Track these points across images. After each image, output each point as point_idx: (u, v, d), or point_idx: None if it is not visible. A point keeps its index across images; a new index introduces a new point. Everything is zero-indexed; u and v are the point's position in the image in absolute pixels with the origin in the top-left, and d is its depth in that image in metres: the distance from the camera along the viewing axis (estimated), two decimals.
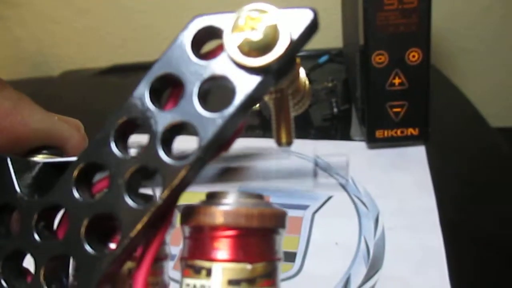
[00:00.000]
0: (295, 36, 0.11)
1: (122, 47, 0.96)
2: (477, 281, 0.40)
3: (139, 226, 0.11)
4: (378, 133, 0.54)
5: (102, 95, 0.80)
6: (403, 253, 0.42)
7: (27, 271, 0.12)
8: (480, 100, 0.69)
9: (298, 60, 0.13)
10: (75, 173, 0.11)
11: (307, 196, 0.48)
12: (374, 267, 0.41)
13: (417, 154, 0.54)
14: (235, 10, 0.10)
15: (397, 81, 0.52)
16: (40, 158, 0.13)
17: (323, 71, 0.77)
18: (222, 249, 0.12)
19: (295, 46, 0.11)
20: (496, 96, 0.93)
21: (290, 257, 0.42)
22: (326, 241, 0.44)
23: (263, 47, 0.10)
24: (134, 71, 0.89)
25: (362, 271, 0.41)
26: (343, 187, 0.50)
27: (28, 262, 0.12)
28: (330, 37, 0.87)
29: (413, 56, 0.51)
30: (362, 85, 0.55)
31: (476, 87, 0.87)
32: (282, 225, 0.13)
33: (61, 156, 0.14)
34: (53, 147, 0.14)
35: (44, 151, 0.13)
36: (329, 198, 0.49)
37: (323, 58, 0.79)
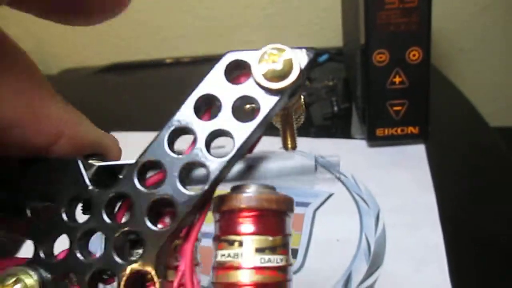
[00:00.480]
0: (303, 67, 0.14)
1: (121, 46, 0.96)
2: (477, 277, 0.40)
3: (190, 208, 0.14)
4: (379, 132, 0.55)
5: (101, 94, 0.81)
6: (404, 250, 0.43)
7: (90, 251, 0.16)
8: (479, 99, 0.69)
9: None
10: (138, 168, 0.15)
11: (308, 193, 0.48)
12: (375, 263, 0.42)
13: (417, 152, 0.55)
14: (258, 48, 0.15)
15: (397, 79, 0.52)
16: (94, 162, 0.16)
17: (323, 70, 0.77)
18: (250, 225, 0.16)
19: (303, 74, 0.14)
20: (495, 95, 0.94)
21: (292, 253, 0.43)
22: (327, 238, 0.44)
23: (282, 75, 0.14)
24: (132, 69, 0.89)
25: (363, 268, 0.41)
26: (344, 184, 0.50)
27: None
28: (330, 36, 0.88)
29: (414, 55, 0.51)
30: (362, 83, 0.55)
31: (475, 86, 0.87)
32: (292, 209, 0.17)
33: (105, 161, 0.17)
34: (99, 154, 0.17)
35: (93, 157, 0.17)
36: (330, 195, 0.49)
37: (323, 57, 0.80)
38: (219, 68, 0.15)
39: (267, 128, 0.15)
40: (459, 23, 0.89)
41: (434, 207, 0.47)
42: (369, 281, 0.40)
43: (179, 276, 0.15)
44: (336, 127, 0.62)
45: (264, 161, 0.17)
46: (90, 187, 0.15)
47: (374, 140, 0.55)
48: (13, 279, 0.15)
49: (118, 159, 0.18)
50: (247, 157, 0.16)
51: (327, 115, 0.62)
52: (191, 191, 0.14)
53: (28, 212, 0.16)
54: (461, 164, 0.55)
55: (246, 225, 0.16)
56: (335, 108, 0.63)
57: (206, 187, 0.14)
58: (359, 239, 0.44)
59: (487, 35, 0.90)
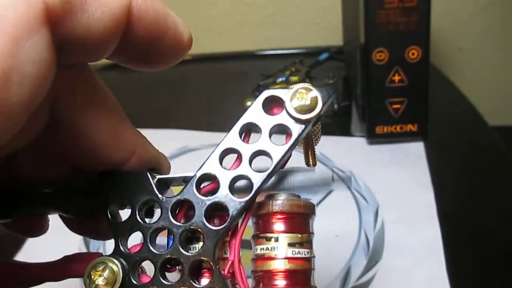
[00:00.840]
0: (324, 101, 0.18)
1: None
2: (473, 273, 0.41)
3: (240, 211, 0.18)
4: (378, 129, 0.55)
5: None
6: (402, 245, 0.43)
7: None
8: (478, 98, 0.70)
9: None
10: (196, 180, 0.19)
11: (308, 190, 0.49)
12: (373, 258, 0.42)
13: (416, 150, 0.55)
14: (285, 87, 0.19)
15: (397, 78, 0.53)
16: (155, 175, 0.20)
17: (324, 68, 0.78)
18: (283, 225, 0.20)
19: (324, 108, 0.18)
20: (493, 94, 0.94)
21: None
22: (327, 234, 0.45)
23: (309, 109, 0.18)
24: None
25: (362, 263, 0.42)
26: (344, 181, 0.51)
27: None
28: (331, 35, 0.88)
29: (413, 54, 0.52)
30: (362, 82, 0.56)
31: (474, 85, 0.88)
32: (314, 212, 0.21)
33: (160, 174, 0.21)
34: (154, 169, 0.21)
35: (153, 171, 0.21)
36: (330, 192, 0.50)
37: (324, 56, 0.80)
38: (258, 101, 0.19)
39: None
40: (459, 23, 0.90)
41: (433, 204, 0.47)
42: (367, 276, 0.41)
43: (229, 265, 0.19)
44: (336, 125, 0.63)
45: (291, 175, 0.20)
46: (159, 195, 0.19)
47: (373, 137, 0.56)
48: (103, 266, 0.18)
49: (168, 171, 0.22)
50: (278, 171, 0.20)
51: (327, 113, 0.63)
52: (240, 199, 0.18)
53: (109, 215, 0.19)
54: (459, 162, 0.55)
55: (280, 225, 0.20)
56: (335, 106, 0.64)
57: (251, 195, 0.18)
58: (358, 235, 0.45)
59: (486, 34, 0.91)
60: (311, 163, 0.21)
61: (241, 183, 0.19)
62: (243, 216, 0.19)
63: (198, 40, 0.94)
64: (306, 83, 0.19)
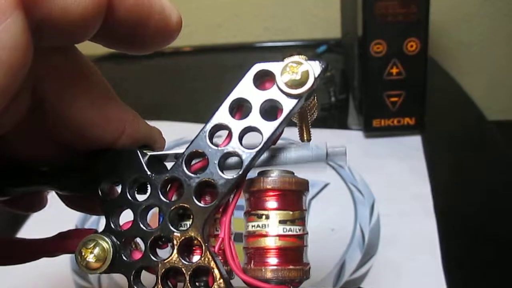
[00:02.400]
0: (316, 75, 0.18)
1: None
2: (469, 266, 0.41)
3: (229, 188, 0.18)
4: (375, 122, 0.55)
5: None
6: (398, 239, 0.43)
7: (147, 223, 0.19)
8: (477, 93, 0.69)
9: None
10: (186, 158, 0.18)
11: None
12: (369, 252, 0.42)
13: (413, 144, 0.55)
14: (280, 59, 0.18)
15: (394, 70, 0.52)
16: (147, 151, 0.20)
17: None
18: (274, 202, 0.20)
19: (317, 82, 0.18)
20: (494, 89, 0.94)
21: None
22: (322, 227, 0.44)
23: (301, 83, 0.17)
24: (132, 59, 0.89)
25: (357, 257, 0.42)
26: (339, 174, 0.51)
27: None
28: (329, 28, 0.88)
29: (411, 46, 0.51)
30: (359, 74, 0.55)
31: (474, 80, 0.88)
32: (307, 189, 0.20)
33: (154, 151, 0.21)
34: (148, 145, 0.21)
35: (145, 148, 0.20)
36: (326, 185, 0.49)
37: (322, 48, 0.80)
38: (249, 76, 0.18)
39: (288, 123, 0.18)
40: (459, 16, 0.89)
41: (429, 197, 0.47)
42: (362, 270, 0.40)
43: (219, 242, 0.19)
44: (333, 118, 0.62)
45: (284, 151, 0.20)
46: (148, 173, 0.19)
47: (370, 131, 0.56)
48: (93, 244, 0.19)
49: (163, 148, 0.22)
50: (271, 147, 0.20)
51: (324, 106, 0.62)
52: (228, 176, 0.18)
53: (100, 193, 0.19)
54: (456, 156, 0.55)
55: (271, 202, 0.20)
56: (332, 99, 0.63)
57: (240, 172, 0.18)
58: (353, 229, 0.44)
59: (486, 28, 0.90)
60: (305, 138, 0.21)
61: (232, 160, 0.19)
62: (233, 193, 0.19)
63: (196, 32, 0.94)
64: (298, 56, 0.18)
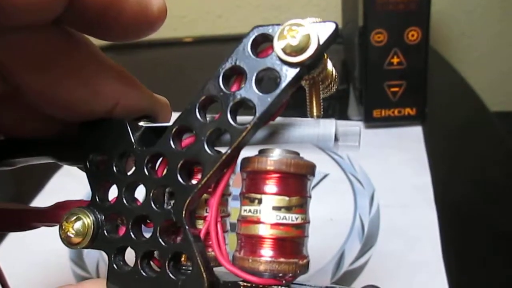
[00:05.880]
0: (322, 41, 0.15)
1: None
2: (469, 256, 0.40)
3: (215, 167, 0.16)
4: (376, 113, 0.54)
5: None
6: (398, 229, 0.43)
7: (135, 198, 0.18)
8: (480, 84, 0.69)
9: (326, 55, 0.18)
10: (172, 132, 0.17)
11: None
12: (368, 243, 0.42)
13: (414, 134, 0.54)
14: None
15: (395, 60, 0.52)
16: (142, 123, 0.19)
17: None
18: (269, 186, 0.17)
19: (322, 48, 0.15)
20: (496, 80, 0.93)
21: None
22: (321, 217, 0.44)
23: (300, 49, 0.15)
24: (132, 49, 0.88)
25: (356, 247, 0.41)
26: (339, 164, 0.50)
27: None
28: (330, 18, 0.87)
29: (412, 35, 0.51)
30: (360, 64, 0.55)
31: (477, 71, 0.87)
32: (312, 173, 0.18)
33: (155, 123, 0.20)
34: (149, 116, 0.20)
35: (144, 119, 0.20)
36: (326, 175, 0.49)
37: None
38: (246, 41, 0.16)
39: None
40: (461, 7, 0.89)
41: (430, 188, 0.47)
42: (361, 260, 0.40)
43: (206, 225, 0.17)
44: (333, 108, 0.62)
45: (287, 128, 0.18)
46: (135, 146, 0.18)
47: (371, 121, 0.55)
48: (75, 217, 0.18)
49: (168, 120, 0.21)
50: (272, 123, 0.18)
51: (325, 96, 0.62)
52: (216, 153, 0.16)
53: (87, 164, 0.19)
54: (457, 146, 0.54)
55: (266, 186, 0.17)
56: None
57: (228, 151, 0.16)
58: (353, 219, 0.44)
59: (488, 19, 0.89)
60: (314, 114, 0.18)
61: (225, 137, 0.17)
62: (220, 174, 0.17)
63: (196, 22, 0.94)
64: (301, 19, 0.16)
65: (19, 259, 0.41)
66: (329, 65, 0.18)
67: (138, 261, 0.17)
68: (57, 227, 0.19)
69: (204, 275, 0.16)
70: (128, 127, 0.18)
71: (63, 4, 0.14)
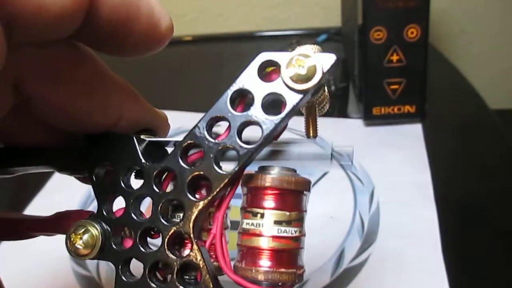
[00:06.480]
0: (325, 70, 0.16)
1: None
2: (469, 254, 0.40)
3: (223, 184, 0.17)
4: (375, 110, 0.54)
5: None
6: (397, 227, 0.43)
7: (141, 211, 0.19)
8: (480, 82, 0.69)
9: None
10: (181, 149, 0.18)
11: (303, 171, 0.48)
12: (368, 240, 0.42)
13: (414, 131, 0.54)
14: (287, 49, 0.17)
15: (395, 57, 0.52)
16: (144, 137, 0.19)
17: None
18: (271, 201, 0.19)
19: (325, 77, 0.16)
20: (496, 78, 0.93)
21: None
22: (321, 215, 0.44)
23: (306, 78, 0.16)
24: None
25: (356, 244, 0.41)
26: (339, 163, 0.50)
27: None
28: (329, 16, 0.87)
29: (412, 33, 0.51)
30: (360, 62, 0.55)
31: (477, 68, 0.87)
32: (308, 189, 0.19)
33: (155, 136, 0.20)
34: (149, 130, 0.20)
35: (144, 133, 0.20)
36: (325, 173, 0.49)
37: (322, 37, 0.79)
38: (253, 66, 0.17)
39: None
40: (461, 4, 0.89)
41: (429, 185, 0.47)
42: (361, 258, 0.40)
43: (211, 238, 0.18)
44: (333, 106, 0.62)
45: (287, 146, 0.19)
46: (143, 161, 0.18)
47: (370, 119, 0.55)
48: (83, 230, 0.18)
49: (166, 134, 0.22)
50: (273, 142, 0.19)
51: None
52: (224, 171, 0.17)
53: (93, 177, 0.19)
54: (457, 143, 0.54)
55: (268, 201, 0.19)
56: (332, 87, 0.63)
57: (236, 168, 0.17)
58: (353, 217, 0.44)
59: (488, 16, 0.89)
60: (311, 134, 0.20)
61: (230, 154, 0.18)
62: (229, 188, 0.18)
63: (196, 21, 0.94)
64: (307, 47, 0.17)
65: (19, 258, 0.41)
66: (326, 89, 0.19)
67: (146, 272, 0.18)
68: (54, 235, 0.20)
69: (211, 286, 0.17)
70: (135, 141, 0.19)
71: (78, 24, 0.15)
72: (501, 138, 0.55)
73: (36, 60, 0.16)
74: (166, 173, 0.19)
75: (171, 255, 0.18)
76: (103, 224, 0.18)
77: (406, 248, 0.40)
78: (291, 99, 0.17)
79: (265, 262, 0.18)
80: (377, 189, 0.47)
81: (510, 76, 0.94)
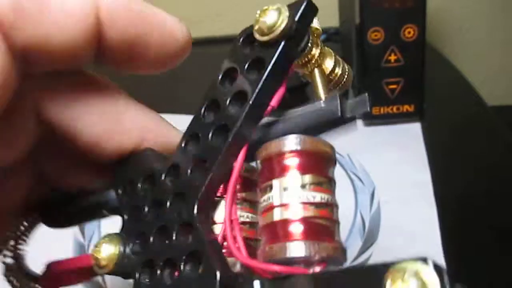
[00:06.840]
0: (297, 16, 0.15)
1: None
2: (469, 252, 0.41)
3: (219, 162, 0.16)
4: (374, 110, 0.55)
5: (99, 74, 0.80)
6: (398, 226, 0.43)
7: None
8: (478, 79, 0.69)
9: (327, 50, 0.19)
10: (184, 141, 0.17)
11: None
12: (369, 240, 0.42)
13: (413, 131, 0.55)
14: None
15: (392, 57, 0.52)
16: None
17: None
18: (286, 166, 0.16)
19: (296, 23, 0.15)
20: (494, 75, 0.93)
21: None
22: None
23: (272, 26, 0.15)
24: None
25: (357, 244, 0.42)
26: (339, 162, 0.51)
27: None
28: (327, 17, 0.87)
29: (409, 33, 0.51)
30: (358, 62, 0.55)
31: (474, 66, 0.87)
32: (330, 154, 0.17)
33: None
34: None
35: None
36: None
37: (321, 37, 0.79)
38: (236, 41, 0.17)
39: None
40: (458, 2, 0.89)
41: (429, 184, 0.47)
42: (363, 257, 0.41)
43: (222, 230, 0.16)
44: None
45: (290, 116, 0.18)
46: (156, 168, 0.18)
47: (369, 119, 0.55)
48: (103, 245, 0.18)
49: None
50: (278, 118, 0.18)
51: None
52: (219, 144, 0.16)
53: (118, 194, 0.19)
54: (456, 142, 0.55)
55: (282, 168, 0.16)
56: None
57: (229, 139, 0.16)
58: (354, 216, 0.45)
59: (486, 14, 0.90)
60: (320, 95, 0.18)
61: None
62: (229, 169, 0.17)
63: (195, 22, 0.93)
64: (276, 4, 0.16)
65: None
66: (329, 64, 0.19)
67: (159, 271, 0.17)
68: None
69: (216, 268, 0.15)
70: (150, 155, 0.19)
71: (92, 50, 0.15)
72: (499, 134, 0.55)
73: (55, 86, 0.17)
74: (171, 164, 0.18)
75: (179, 245, 0.16)
76: (126, 238, 0.18)
77: (406, 246, 0.41)
78: (267, 55, 0.16)
79: (290, 234, 0.15)
80: (378, 188, 0.47)
81: (508, 72, 0.94)
